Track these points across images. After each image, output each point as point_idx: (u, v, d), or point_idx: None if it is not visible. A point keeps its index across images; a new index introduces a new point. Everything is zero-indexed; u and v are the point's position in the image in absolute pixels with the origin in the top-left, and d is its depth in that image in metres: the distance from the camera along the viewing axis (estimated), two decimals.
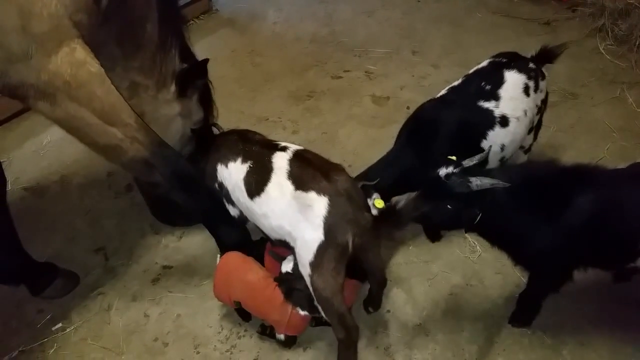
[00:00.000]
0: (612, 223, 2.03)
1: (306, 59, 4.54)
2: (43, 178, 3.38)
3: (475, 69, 2.76)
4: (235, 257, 2.46)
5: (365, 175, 2.60)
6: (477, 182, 1.96)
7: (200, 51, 2.74)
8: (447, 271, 2.74)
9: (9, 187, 3.25)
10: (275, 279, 2.29)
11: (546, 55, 2.81)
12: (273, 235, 2.31)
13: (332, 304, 2.09)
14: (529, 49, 4.48)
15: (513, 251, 2.24)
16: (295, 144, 3.55)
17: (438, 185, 2.03)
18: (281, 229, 2.20)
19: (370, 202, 2.39)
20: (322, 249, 2.05)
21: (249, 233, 2.70)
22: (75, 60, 1.96)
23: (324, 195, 2.07)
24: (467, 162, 2.07)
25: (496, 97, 2.56)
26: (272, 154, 2.29)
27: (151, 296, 2.67)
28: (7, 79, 1.91)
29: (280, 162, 2.24)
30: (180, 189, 2.40)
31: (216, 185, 2.50)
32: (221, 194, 2.50)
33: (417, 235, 2.92)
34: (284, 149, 2.32)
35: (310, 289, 2.12)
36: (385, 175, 2.55)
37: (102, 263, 2.86)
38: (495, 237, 2.22)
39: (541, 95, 2.74)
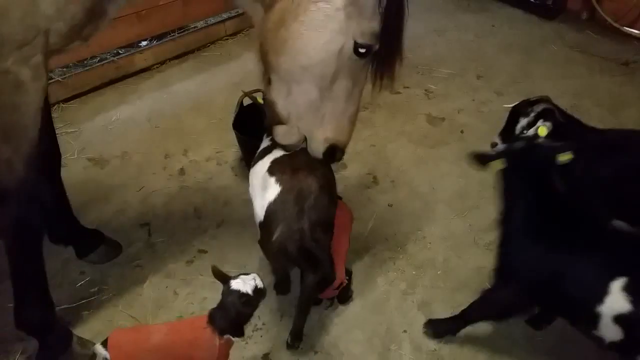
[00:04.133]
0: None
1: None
2: (106, 151, 3.62)
3: None
4: (124, 333, 2.15)
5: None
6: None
7: None
8: None
9: (75, 155, 3.55)
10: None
11: None
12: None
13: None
14: (601, 89, 4.36)
15: None
16: None
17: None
18: (252, 198, 2.42)
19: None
20: (260, 226, 2.32)
21: None
22: (16, 68, 1.74)
23: (279, 185, 2.26)
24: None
25: None
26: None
27: (183, 276, 2.81)
28: None
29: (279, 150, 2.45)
30: (22, 242, 2.05)
31: None
32: None
33: (448, 260, 2.90)
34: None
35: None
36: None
37: (145, 238, 3.04)
38: None
39: None
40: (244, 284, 2.04)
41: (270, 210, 2.24)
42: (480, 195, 3.34)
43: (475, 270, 2.86)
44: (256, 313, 2.57)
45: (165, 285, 2.76)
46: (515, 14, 5.43)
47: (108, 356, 2.00)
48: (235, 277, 2.07)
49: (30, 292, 2.15)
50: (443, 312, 2.65)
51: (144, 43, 4.48)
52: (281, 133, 2.31)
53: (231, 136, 3.71)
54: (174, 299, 2.70)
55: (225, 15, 5.00)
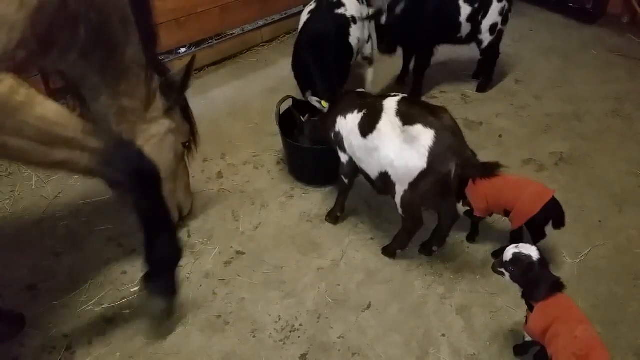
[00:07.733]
0: None
1: None
2: None
3: None
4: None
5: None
6: None
7: None
8: (513, 307, 2.66)
9: None
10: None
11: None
12: (376, 169, 2.67)
13: (411, 212, 2.68)
14: None
15: None
16: None
17: None
18: (386, 158, 2.57)
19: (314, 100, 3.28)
20: (422, 175, 2.46)
21: None
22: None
23: (430, 128, 2.41)
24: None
25: (342, 5, 3.60)
26: (384, 99, 2.68)
27: (221, 277, 2.86)
28: None
29: (390, 104, 2.62)
30: (140, 188, 2.22)
31: (332, 135, 2.95)
32: (335, 142, 2.95)
33: (486, 264, 2.86)
34: (394, 95, 2.70)
35: (399, 199, 2.63)
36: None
37: (184, 239, 3.09)
38: None
39: (368, 9, 3.80)
40: (529, 252, 2.22)
41: (435, 153, 2.40)
42: None
43: None
44: (293, 314, 2.64)
45: (204, 286, 2.81)
46: (553, 19, 5.36)
47: None
48: (513, 260, 2.24)
49: (160, 231, 2.33)
50: (482, 317, 2.61)
51: (182, 50, 4.60)
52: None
53: (268, 140, 3.76)
54: (212, 298, 2.74)
55: (261, 22, 5.10)
